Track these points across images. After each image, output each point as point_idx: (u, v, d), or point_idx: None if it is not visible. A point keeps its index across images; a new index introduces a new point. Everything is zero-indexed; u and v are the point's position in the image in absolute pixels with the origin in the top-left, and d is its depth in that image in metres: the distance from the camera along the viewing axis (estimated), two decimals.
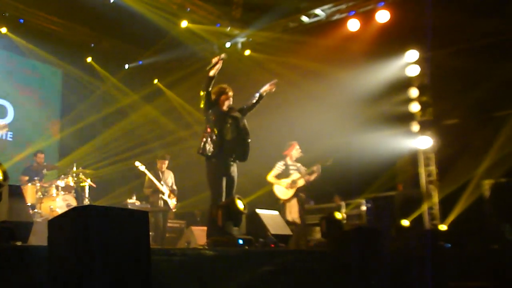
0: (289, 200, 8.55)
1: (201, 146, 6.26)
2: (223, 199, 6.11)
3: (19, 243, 3.73)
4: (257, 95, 6.65)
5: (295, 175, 8.62)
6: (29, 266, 2.93)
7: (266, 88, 6.65)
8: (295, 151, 8.77)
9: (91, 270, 2.46)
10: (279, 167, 8.70)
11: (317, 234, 9.27)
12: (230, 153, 6.34)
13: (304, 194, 8.83)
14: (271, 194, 8.69)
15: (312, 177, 8.68)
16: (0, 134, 10.62)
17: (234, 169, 6.41)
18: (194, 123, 12.03)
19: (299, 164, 8.80)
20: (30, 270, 2.91)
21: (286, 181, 8.59)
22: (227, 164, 6.32)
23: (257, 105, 6.71)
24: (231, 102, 6.49)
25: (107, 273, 2.51)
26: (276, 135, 10.17)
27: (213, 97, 6.40)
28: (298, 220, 8.39)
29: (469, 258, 7.09)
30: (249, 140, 6.45)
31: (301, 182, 8.60)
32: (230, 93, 6.48)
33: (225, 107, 6.43)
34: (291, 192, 8.55)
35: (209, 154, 6.19)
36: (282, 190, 8.61)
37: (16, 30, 11.14)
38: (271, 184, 8.66)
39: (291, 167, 8.73)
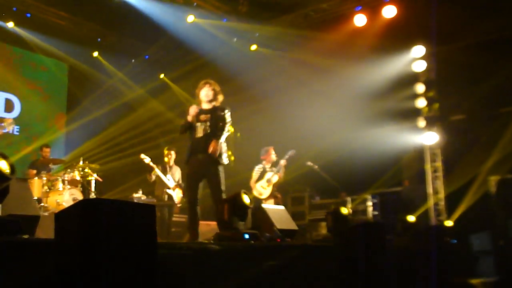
0: (267, 199, 8.65)
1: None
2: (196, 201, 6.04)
3: (25, 237, 3.74)
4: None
5: (268, 175, 8.79)
6: (35, 259, 2.94)
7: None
8: (273, 156, 8.92)
9: (98, 263, 2.47)
10: (257, 170, 8.84)
11: (323, 229, 9.29)
12: (201, 151, 6.04)
13: (309, 189, 8.88)
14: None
15: (283, 168, 8.86)
16: (10, 130, 10.64)
17: (213, 168, 6.05)
18: None
19: (275, 169, 8.95)
20: (36, 263, 2.93)
21: (262, 182, 8.75)
22: (199, 164, 6.06)
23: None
24: (209, 96, 6.18)
25: (113, 266, 2.52)
26: (281, 130, 10.17)
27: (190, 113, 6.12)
28: None
29: (475, 254, 7.09)
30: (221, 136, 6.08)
31: (275, 178, 8.71)
32: (207, 86, 6.19)
33: (202, 105, 6.22)
34: (268, 190, 8.69)
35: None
36: (260, 190, 8.74)
37: (23, 24, 11.16)
38: (251, 189, 8.74)
39: (268, 170, 8.88)
